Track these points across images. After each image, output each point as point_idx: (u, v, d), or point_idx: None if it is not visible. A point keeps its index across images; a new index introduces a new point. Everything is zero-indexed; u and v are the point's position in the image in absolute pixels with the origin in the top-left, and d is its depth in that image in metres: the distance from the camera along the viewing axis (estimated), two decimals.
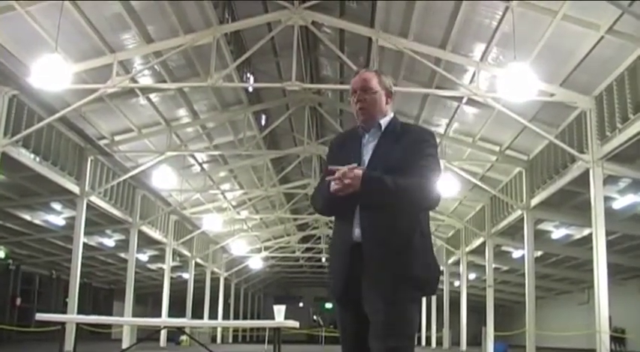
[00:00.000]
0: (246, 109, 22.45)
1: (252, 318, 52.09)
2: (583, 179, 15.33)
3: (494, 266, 26.12)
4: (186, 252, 32.10)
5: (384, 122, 3.92)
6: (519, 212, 20.52)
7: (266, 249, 40.60)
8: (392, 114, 4.01)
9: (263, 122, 26.00)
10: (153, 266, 34.95)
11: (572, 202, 18.75)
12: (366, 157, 3.79)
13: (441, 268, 34.62)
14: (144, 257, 31.64)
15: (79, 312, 19.01)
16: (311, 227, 39.63)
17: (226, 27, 17.24)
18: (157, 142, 21.73)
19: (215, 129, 23.39)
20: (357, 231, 3.68)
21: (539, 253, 24.07)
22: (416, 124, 4.06)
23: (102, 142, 19.55)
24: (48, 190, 18.96)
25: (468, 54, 15.95)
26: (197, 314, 34.22)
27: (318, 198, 3.91)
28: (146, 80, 18.29)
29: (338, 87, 21.97)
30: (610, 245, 15.77)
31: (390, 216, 3.66)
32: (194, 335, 26.29)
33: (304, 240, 41.47)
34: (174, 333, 28.28)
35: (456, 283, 31.55)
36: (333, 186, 3.58)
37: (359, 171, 3.54)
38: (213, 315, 37.62)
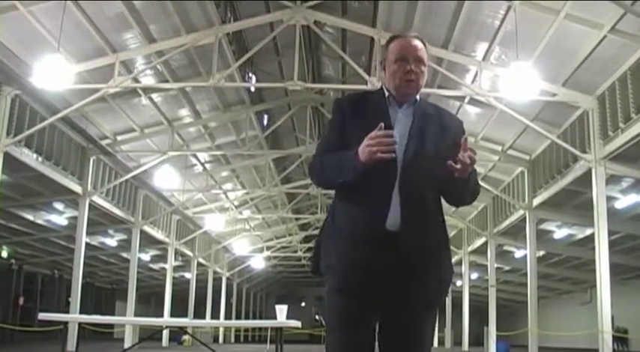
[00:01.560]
0: (248, 109, 22.44)
1: (254, 318, 52.06)
2: (585, 179, 15.32)
3: (496, 266, 26.12)
4: (188, 252, 32.11)
5: (418, 98, 3.50)
6: (521, 212, 20.51)
7: (268, 248, 40.61)
8: None
9: (265, 122, 25.99)
10: (155, 266, 34.96)
11: (575, 202, 18.74)
12: (400, 136, 3.24)
13: None
14: (146, 257, 31.65)
15: (82, 312, 19.04)
16: (313, 227, 39.56)
17: (228, 27, 17.23)
18: (159, 142, 21.73)
19: (217, 129, 23.41)
20: (392, 218, 3.20)
21: (541, 253, 24.06)
22: (444, 108, 3.56)
23: (104, 142, 19.55)
24: (50, 190, 18.97)
25: (470, 53, 15.94)
26: (199, 313, 34.25)
27: (330, 167, 3.31)
28: (148, 80, 18.29)
29: (340, 86, 21.96)
30: (612, 245, 15.78)
31: (430, 206, 3.30)
32: (196, 335, 26.31)
33: (306, 239, 41.43)
34: (177, 333, 28.31)
35: (459, 283, 31.53)
36: (388, 152, 3.05)
37: (473, 155, 3.13)
38: (215, 315, 37.60)
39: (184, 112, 21.29)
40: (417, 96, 3.47)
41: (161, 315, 27.19)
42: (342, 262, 3.27)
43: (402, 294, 3.21)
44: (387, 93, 3.49)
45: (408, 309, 3.22)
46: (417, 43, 3.49)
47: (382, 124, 3.12)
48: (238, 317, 45.67)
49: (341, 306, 3.29)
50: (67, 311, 20.76)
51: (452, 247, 22.68)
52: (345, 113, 3.45)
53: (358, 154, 3.11)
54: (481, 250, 27.09)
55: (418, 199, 3.24)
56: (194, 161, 25.21)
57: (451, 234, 32.07)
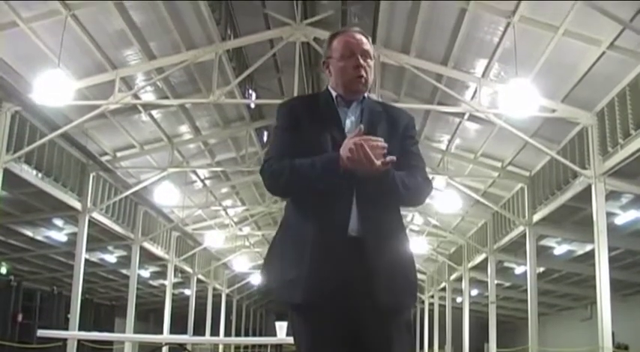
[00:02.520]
0: (248, 126, 22.47)
1: (254, 335, 51.87)
2: (585, 195, 15.30)
3: (496, 282, 26.04)
4: (188, 269, 32.05)
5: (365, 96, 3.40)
6: (521, 228, 20.48)
7: None
8: None
9: (265, 138, 26.01)
10: (155, 283, 34.89)
11: (575, 218, 18.71)
12: (350, 136, 3.08)
13: (444, 284, 34.66)
14: (146, 273, 31.59)
15: (81, 329, 18.97)
16: None
17: (228, 43, 17.27)
18: (158, 159, 21.73)
19: (217, 146, 23.42)
20: (353, 223, 3.09)
21: (541, 269, 24.00)
22: (391, 104, 3.78)
23: (104, 158, 19.56)
24: (50, 206, 18.94)
25: (469, 70, 15.98)
26: (199, 330, 34.09)
27: (291, 171, 3.13)
28: (148, 96, 18.32)
29: None
30: (612, 261, 15.73)
31: (387, 209, 3.20)
32: None
33: None
34: (176, 350, 28.15)
35: (459, 299, 31.43)
36: (347, 154, 2.98)
37: (393, 157, 3.00)
38: (214, 332, 37.46)
39: (184, 129, 21.30)
40: (365, 94, 3.38)
41: (160, 332, 27.11)
42: (308, 273, 3.07)
43: (371, 299, 3.06)
44: (334, 94, 3.38)
45: (380, 315, 3.07)
46: (361, 37, 3.46)
47: (361, 126, 3.06)
48: (238, 334, 45.48)
49: (311, 324, 3.11)
50: (66, 328, 20.69)
51: (452, 263, 22.67)
52: (297, 115, 3.32)
53: (340, 159, 3.00)
54: (481, 266, 27.02)
55: (375, 200, 3.12)
56: (194, 177, 25.21)
57: (451, 250, 32.15)
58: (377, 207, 3.13)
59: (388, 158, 2.98)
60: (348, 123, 3.30)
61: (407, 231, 3.38)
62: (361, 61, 3.35)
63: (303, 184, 3.14)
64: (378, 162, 2.96)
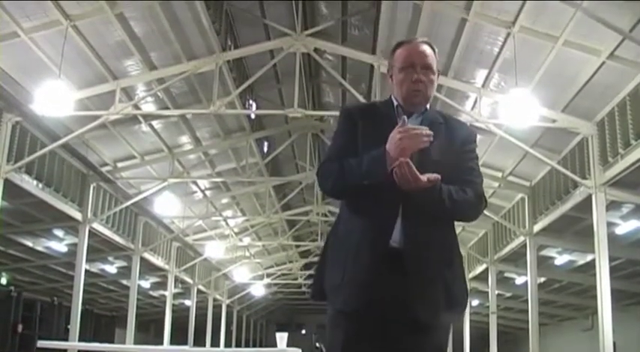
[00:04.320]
0: (249, 136, 22.48)
1: (254, 346, 51.74)
2: (585, 205, 15.30)
3: (497, 292, 26.03)
4: (188, 279, 32.00)
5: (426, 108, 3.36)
6: (522, 238, 20.46)
7: (268, 275, 40.46)
8: None
9: (265, 149, 26.04)
10: (155, 293, 34.82)
11: (575, 228, 18.69)
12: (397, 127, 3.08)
13: None
14: (146, 284, 31.52)
15: (81, 339, 18.93)
16: (313, 254, 39.48)
17: (229, 54, 17.30)
18: (159, 169, 21.74)
19: (217, 156, 23.43)
20: (396, 234, 3.08)
21: (542, 279, 23.96)
22: (455, 117, 3.81)
23: (104, 169, 19.56)
24: (50, 217, 18.93)
25: (469, 80, 16.00)
26: (199, 341, 34.04)
27: (339, 170, 3.15)
28: (149, 107, 18.35)
29: None
30: (613, 271, 15.71)
31: (436, 223, 3.14)
32: None
33: (306, 266, 41.32)
34: None
35: None
36: (392, 148, 2.95)
37: (438, 176, 2.97)
38: (215, 343, 37.38)
39: (185, 139, 21.32)
40: (427, 105, 3.35)
41: (161, 343, 27.08)
42: (348, 281, 3.10)
43: (406, 313, 3.03)
44: (395, 103, 3.35)
45: (415, 330, 3.04)
46: (425, 48, 3.37)
47: (405, 118, 3.05)
48: (238, 345, 45.38)
49: (345, 331, 3.11)
50: (66, 339, 20.64)
51: None
52: (355, 121, 3.29)
53: (387, 152, 2.98)
54: (482, 277, 27.00)
55: (421, 213, 3.07)
56: (194, 188, 25.21)
57: None
58: (423, 220, 3.09)
59: (432, 176, 2.96)
60: None
61: (459, 250, 3.30)
62: (420, 76, 3.29)
63: (352, 182, 3.11)
64: (424, 179, 2.94)
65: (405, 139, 2.94)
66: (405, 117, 3.06)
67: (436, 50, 3.42)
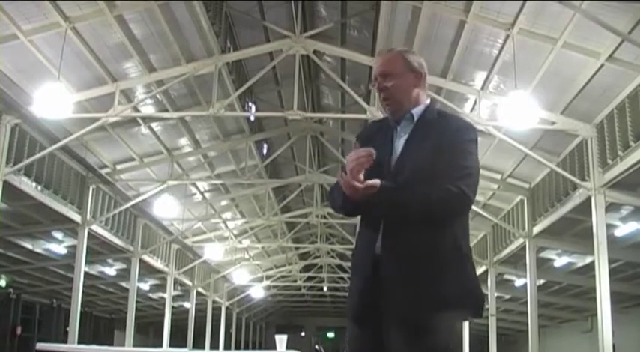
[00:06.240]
0: (248, 138, 22.47)
1: (253, 348, 51.75)
2: (585, 207, 15.30)
3: (496, 294, 26.01)
4: (187, 281, 31.98)
5: (416, 112, 3.37)
6: (521, 240, 20.46)
7: (267, 278, 40.47)
8: (427, 102, 3.49)
9: (264, 151, 26.02)
10: (154, 296, 34.80)
11: (574, 230, 18.69)
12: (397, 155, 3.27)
13: None
14: (145, 286, 31.51)
15: (80, 341, 18.94)
16: (312, 256, 39.49)
17: (228, 56, 17.28)
18: (158, 171, 21.74)
19: (217, 158, 23.43)
20: (379, 242, 3.21)
21: (541, 281, 23.96)
22: (454, 114, 3.93)
23: (104, 171, 19.56)
24: (49, 219, 18.93)
25: (468, 82, 16.01)
26: (198, 343, 34.04)
27: (337, 197, 3.33)
28: (148, 109, 18.36)
29: (339, 116, 22.05)
30: (613, 273, 15.71)
31: (417, 226, 3.16)
32: None
33: (306, 269, 41.32)
34: None
35: None
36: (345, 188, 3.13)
37: (376, 181, 3.06)
38: (214, 345, 37.37)
39: (184, 141, 21.33)
40: (417, 110, 3.39)
41: (160, 345, 27.06)
42: (349, 290, 3.39)
43: (395, 316, 3.15)
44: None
45: (406, 333, 3.11)
46: (381, 57, 3.47)
47: (355, 143, 3.29)
48: (237, 347, 45.41)
49: (354, 338, 3.35)
50: (65, 341, 20.64)
51: None
52: (370, 137, 3.42)
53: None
54: (481, 279, 26.93)
55: (401, 222, 3.17)
56: (193, 190, 25.21)
57: None
58: (402, 227, 3.18)
59: (369, 182, 3.07)
60: (401, 141, 3.36)
61: (458, 251, 3.26)
62: (381, 84, 3.39)
63: (337, 205, 3.41)
64: (361, 186, 3.07)
65: (350, 163, 3.11)
66: (357, 142, 3.30)
67: (404, 51, 3.51)
